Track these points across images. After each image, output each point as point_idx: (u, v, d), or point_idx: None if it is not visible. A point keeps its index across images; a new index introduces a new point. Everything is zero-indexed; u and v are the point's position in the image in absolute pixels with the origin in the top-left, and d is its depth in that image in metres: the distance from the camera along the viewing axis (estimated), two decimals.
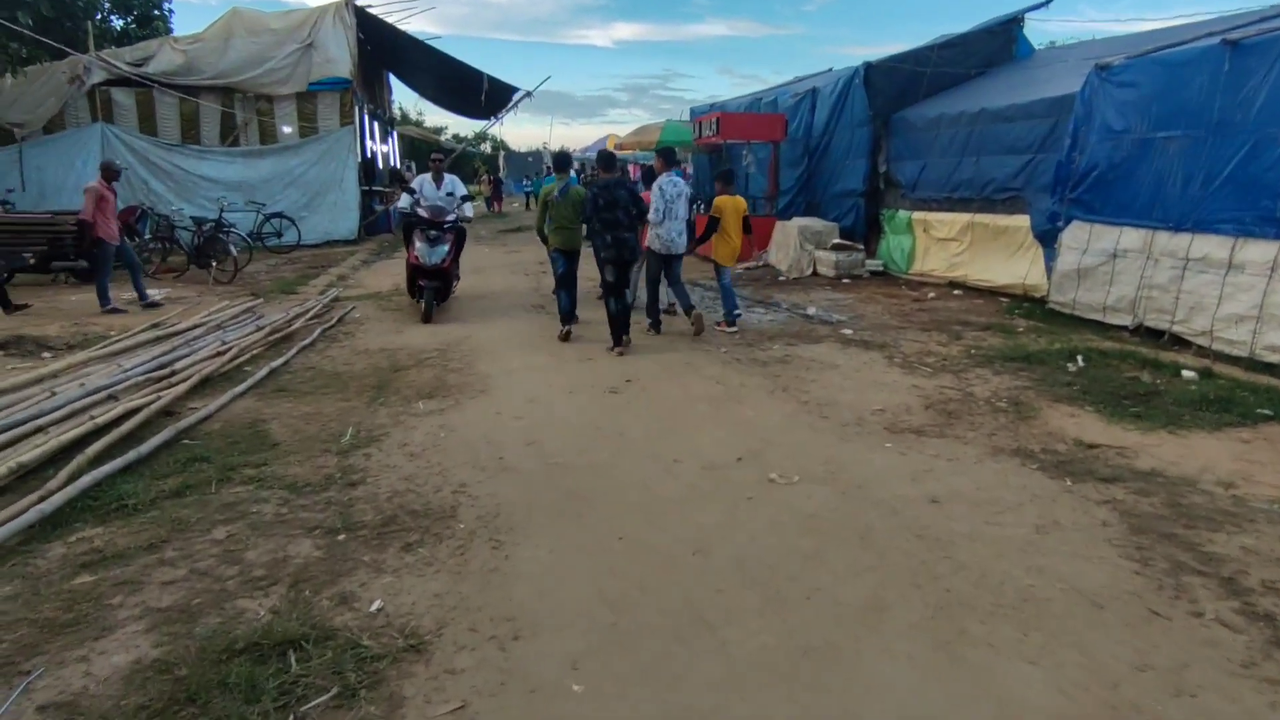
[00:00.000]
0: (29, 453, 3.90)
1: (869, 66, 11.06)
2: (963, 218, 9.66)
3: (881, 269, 11.03)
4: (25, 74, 13.50)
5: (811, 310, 8.40)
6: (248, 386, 5.29)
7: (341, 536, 3.20)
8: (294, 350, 6.42)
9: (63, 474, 3.65)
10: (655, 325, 7.27)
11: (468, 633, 2.55)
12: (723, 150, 13.48)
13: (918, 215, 10.53)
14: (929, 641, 2.49)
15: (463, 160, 36.70)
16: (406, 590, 2.80)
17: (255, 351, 6.33)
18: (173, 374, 5.40)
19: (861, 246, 11.14)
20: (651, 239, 7.00)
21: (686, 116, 20.50)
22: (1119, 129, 7.22)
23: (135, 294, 8.72)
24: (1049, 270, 8.13)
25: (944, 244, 10.07)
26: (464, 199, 8.39)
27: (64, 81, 14.05)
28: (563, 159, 7.78)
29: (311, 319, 7.85)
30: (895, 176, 11.12)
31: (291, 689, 2.25)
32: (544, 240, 7.53)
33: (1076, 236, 7.68)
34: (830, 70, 14.44)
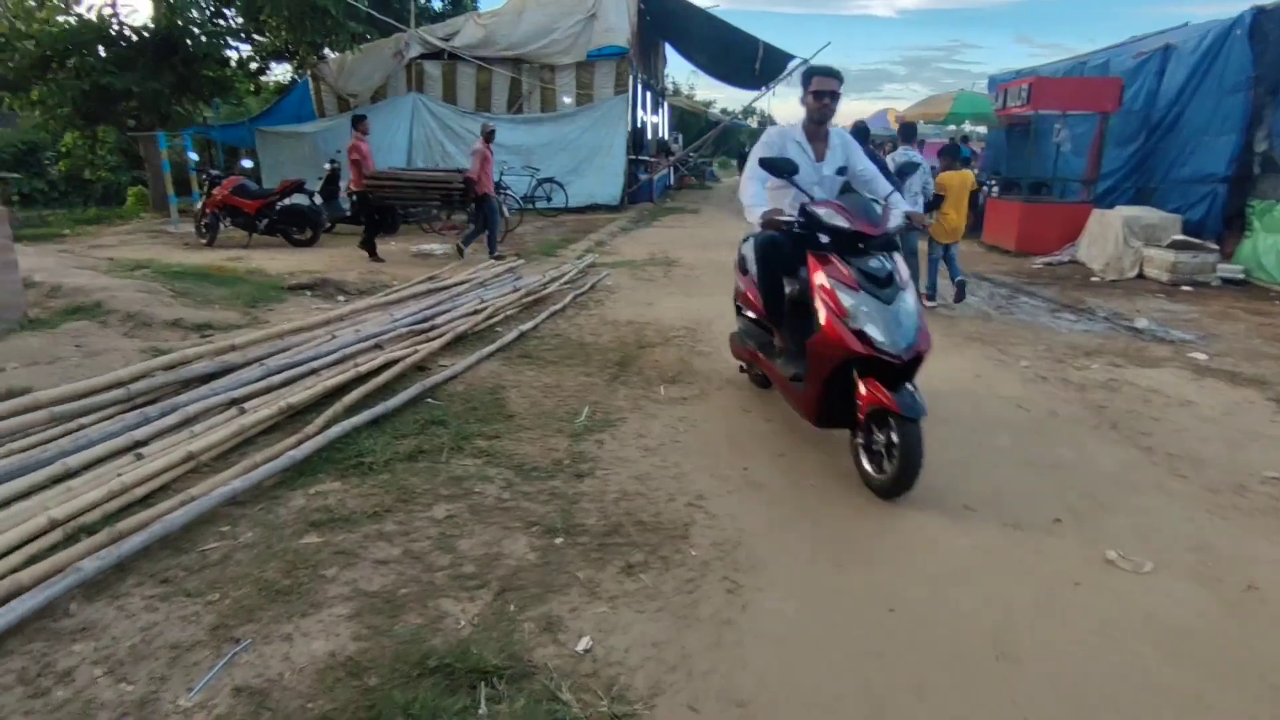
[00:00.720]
0: (299, 394, 4.08)
1: (1260, 11, 8.53)
2: None
3: (1241, 276, 8.60)
4: (360, 50, 15.48)
5: (1141, 323, 6.67)
6: (495, 348, 5.25)
7: (559, 540, 2.81)
8: (545, 314, 6.37)
9: (319, 420, 3.73)
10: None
11: (686, 712, 1.99)
12: (1031, 124, 11.47)
13: None
14: None
15: (729, 135, 36.49)
16: (622, 628, 2.31)
17: (509, 312, 6.38)
18: (432, 329, 5.54)
19: (1215, 246, 8.78)
20: None
21: (976, 89, 18.08)
22: None
23: (479, 243, 9.44)
24: None
25: None
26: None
27: (389, 56, 15.87)
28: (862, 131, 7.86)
29: (566, 283, 7.85)
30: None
31: None
32: None
33: None
34: (1187, 25, 11.59)
